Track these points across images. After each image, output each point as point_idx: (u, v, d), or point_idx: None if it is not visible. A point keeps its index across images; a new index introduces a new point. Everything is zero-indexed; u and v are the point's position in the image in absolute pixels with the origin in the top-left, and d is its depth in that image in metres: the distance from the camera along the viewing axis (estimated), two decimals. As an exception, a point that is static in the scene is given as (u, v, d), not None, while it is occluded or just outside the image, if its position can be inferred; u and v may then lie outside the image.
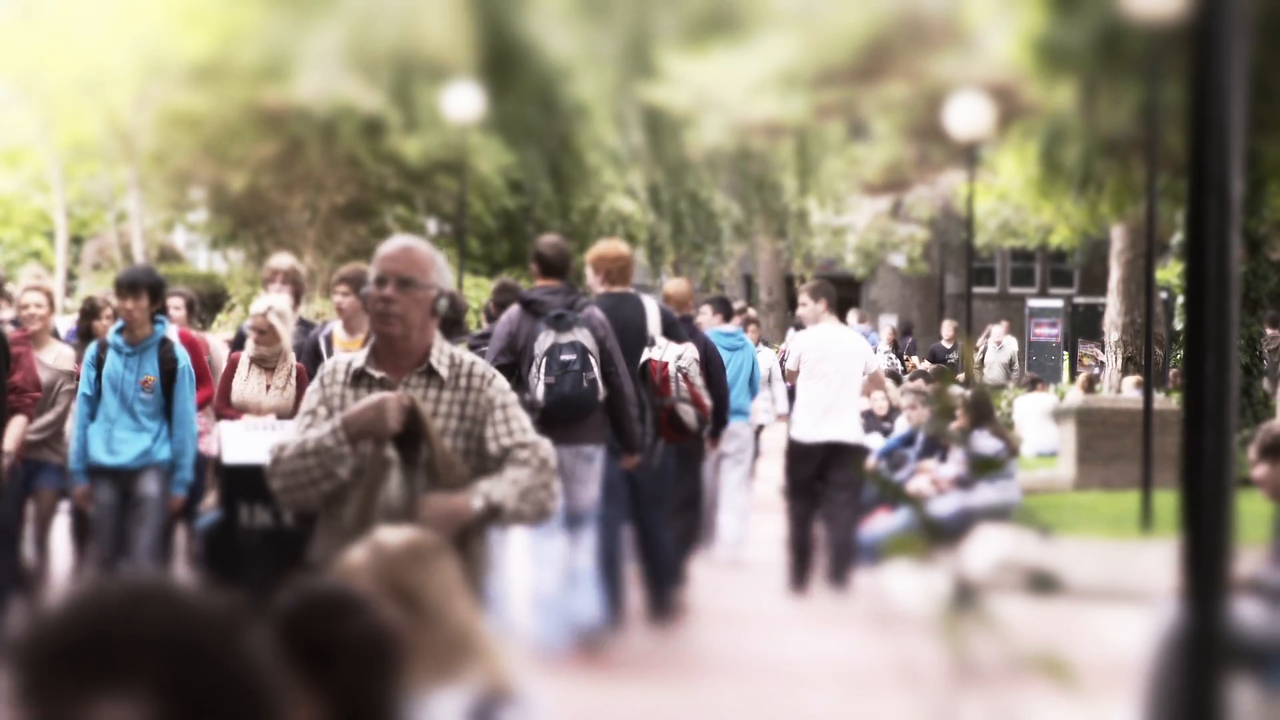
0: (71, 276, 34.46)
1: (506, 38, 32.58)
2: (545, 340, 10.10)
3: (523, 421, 5.71)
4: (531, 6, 32.80)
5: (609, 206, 35.49)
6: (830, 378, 13.13)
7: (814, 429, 13.12)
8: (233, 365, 11.08)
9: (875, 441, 17.70)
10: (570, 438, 9.94)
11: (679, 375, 10.99)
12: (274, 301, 11.12)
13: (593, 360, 10.16)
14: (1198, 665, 3.38)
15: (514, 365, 10.18)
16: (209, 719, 1.99)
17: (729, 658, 10.56)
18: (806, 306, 13.54)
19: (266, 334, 10.86)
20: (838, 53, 32.83)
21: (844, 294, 44.75)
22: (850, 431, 13.20)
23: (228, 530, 8.09)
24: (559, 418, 9.90)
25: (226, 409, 10.87)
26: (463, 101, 30.48)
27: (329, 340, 11.11)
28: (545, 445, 5.68)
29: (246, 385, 10.90)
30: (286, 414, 10.57)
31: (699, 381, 11.06)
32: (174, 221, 36.84)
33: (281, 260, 12.30)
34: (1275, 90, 20.06)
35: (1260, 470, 7.85)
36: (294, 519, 8.41)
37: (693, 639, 11.19)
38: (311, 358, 10.98)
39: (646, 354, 11.02)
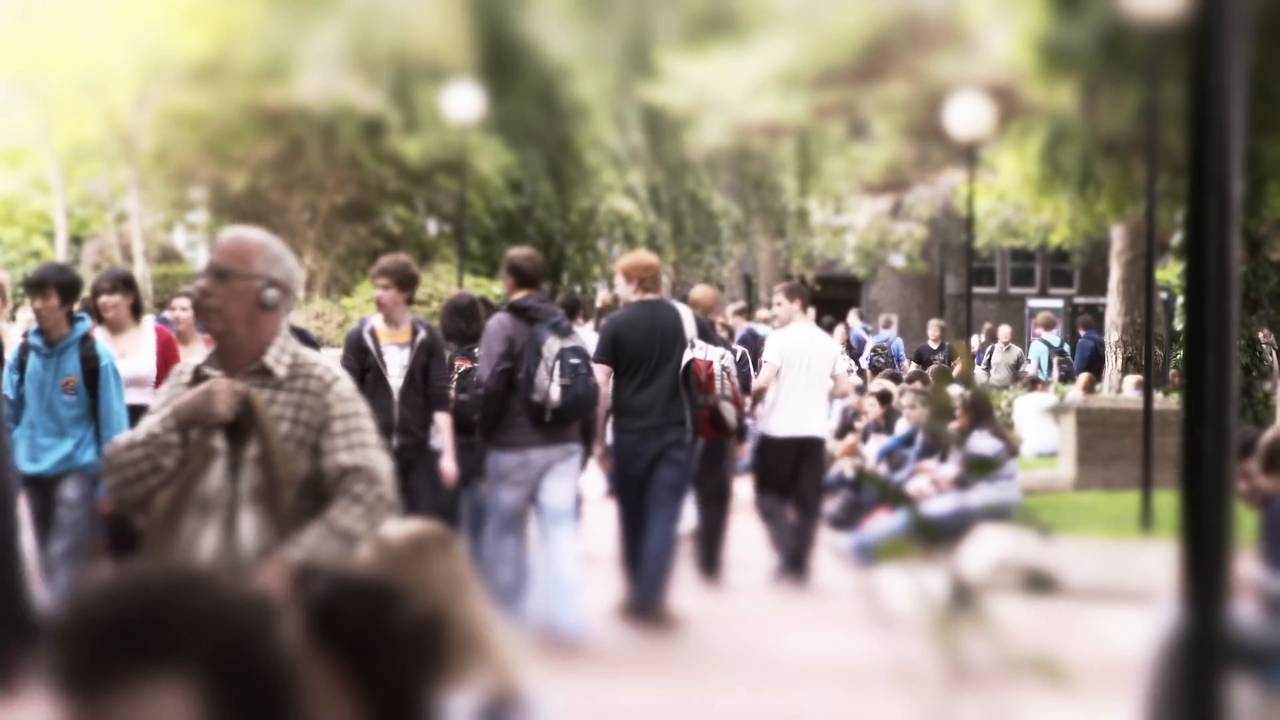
0: (71, 276, 34.43)
1: (506, 38, 32.58)
2: (554, 345, 10.77)
3: (364, 435, 5.28)
4: (531, 6, 32.80)
5: (608, 206, 35.49)
6: (803, 376, 13.50)
7: (790, 425, 13.47)
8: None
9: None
10: (559, 437, 10.87)
11: (724, 374, 11.55)
12: None
13: (590, 364, 11.02)
14: (1198, 666, 3.38)
15: (512, 370, 10.83)
16: (247, 703, 1.99)
17: (729, 658, 10.56)
18: (781, 306, 13.94)
19: None
20: (838, 53, 32.83)
21: (844, 294, 44.78)
22: (820, 427, 13.82)
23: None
24: (569, 417, 10.86)
25: None
26: (463, 101, 30.48)
27: (373, 334, 11.27)
28: (383, 469, 5.25)
29: None
30: None
31: (738, 383, 11.83)
32: (174, 221, 36.85)
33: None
34: (1275, 90, 20.06)
35: (1266, 482, 7.82)
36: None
37: (692, 639, 11.19)
38: (357, 353, 11.24)
39: (688, 355, 11.50)
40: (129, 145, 32.52)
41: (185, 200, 35.82)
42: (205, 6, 31.20)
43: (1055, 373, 29.56)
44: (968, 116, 26.50)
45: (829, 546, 15.42)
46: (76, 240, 35.97)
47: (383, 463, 5.26)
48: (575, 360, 10.77)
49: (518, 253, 11.37)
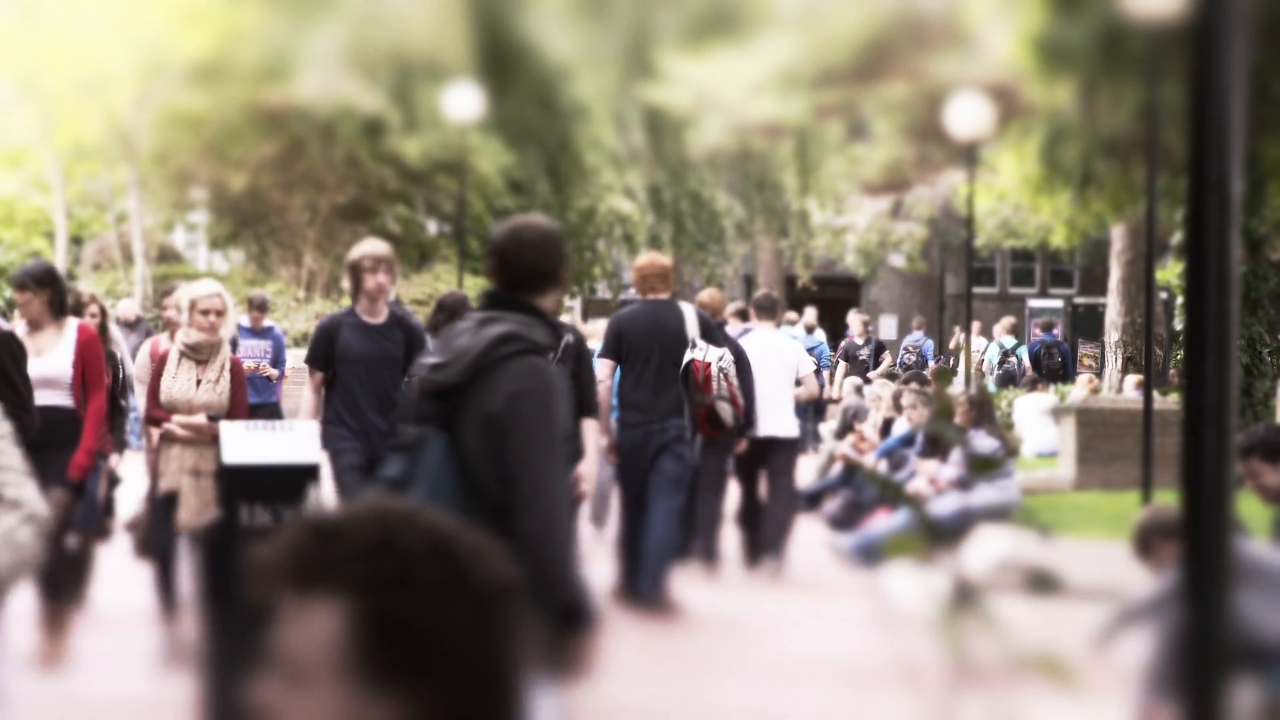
0: (72, 277, 34.45)
1: (506, 38, 32.59)
2: None
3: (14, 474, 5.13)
4: (531, 6, 32.80)
5: (607, 206, 35.50)
6: (766, 378, 13.78)
7: (757, 425, 13.78)
8: (161, 361, 10.27)
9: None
10: None
11: (720, 375, 11.97)
12: (213, 282, 10.44)
13: None
14: (1198, 665, 3.39)
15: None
16: (396, 653, 2.07)
17: (729, 656, 10.57)
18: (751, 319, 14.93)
19: (224, 314, 10.19)
20: (838, 53, 32.84)
21: (844, 294, 44.80)
22: (783, 427, 14.04)
23: (228, 531, 8.08)
24: None
25: (155, 409, 10.12)
26: (463, 101, 30.48)
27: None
28: (37, 509, 5.11)
29: (175, 382, 10.12)
30: (220, 412, 10.03)
31: (736, 382, 12.12)
32: (174, 221, 36.86)
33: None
34: (1275, 90, 20.06)
35: (1276, 474, 7.84)
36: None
37: (693, 637, 11.20)
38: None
39: (688, 355, 12.02)
40: (129, 145, 32.52)
41: (185, 200, 35.82)
42: (205, 7, 31.21)
43: (996, 373, 30.01)
44: (967, 116, 26.50)
45: (829, 546, 15.43)
46: (76, 240, 35.97)
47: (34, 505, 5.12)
48: None
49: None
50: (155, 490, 10.22)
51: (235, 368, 10.23)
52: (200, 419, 10.03)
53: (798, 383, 14.22)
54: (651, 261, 12.35)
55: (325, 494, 8.80)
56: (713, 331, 12.41)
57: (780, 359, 14.13)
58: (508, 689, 2.12)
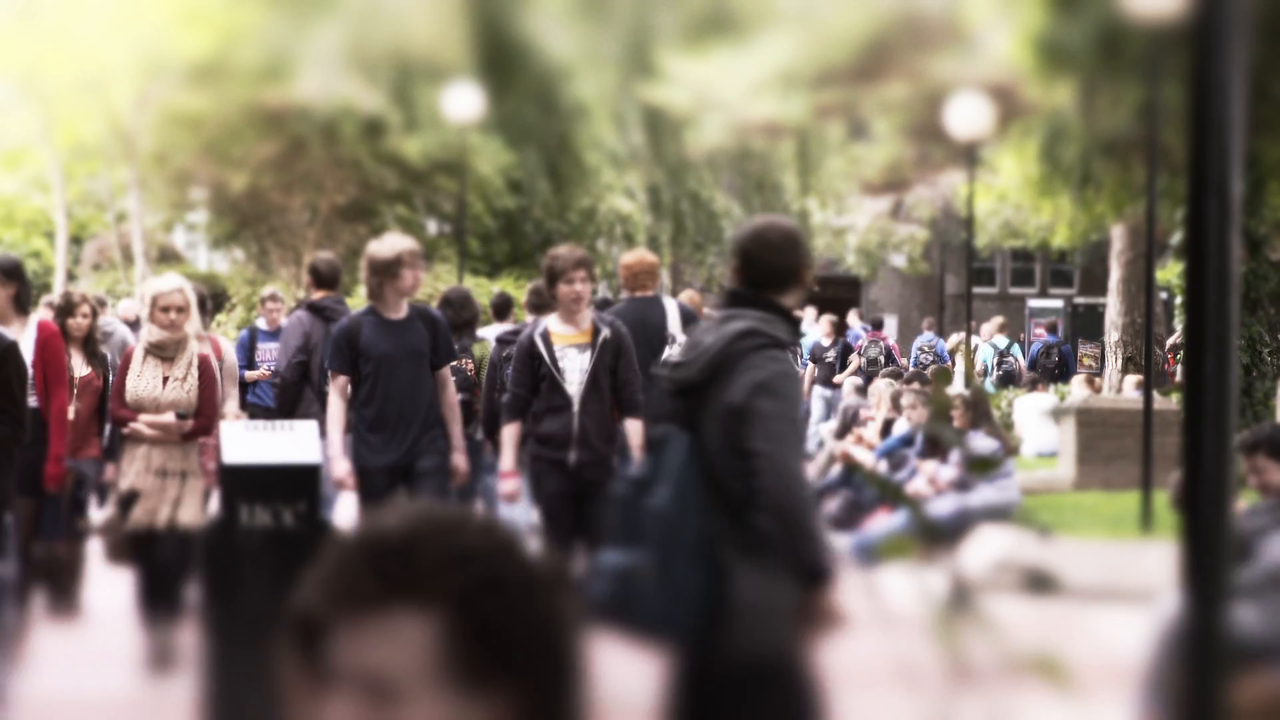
0: (71, 277, 34.46)
1: (506, 38, 32.58)
2: None
3: None
4: (531, 6, 32.80)
5: (607, 206, 35.49)
6: None
7: None
8: (127, 359, 9.98)
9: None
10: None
11: None
12: (178, 278, 10.12)
13: None
14: (1198, 665, 3.38)
15: (306, 362, 12.41)
16: (491, 650, 2.07)
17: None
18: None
19: (184, 312, 9.86)
20: (838, 53, 32.83)
21: (844, 294, 44.80)
22: None
23: (228, 531, 8.07)
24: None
25: (121, 409, 9.86)
26: (463, 101, 30.47)
27: (546, 337, 9.86)
28: None
29: (140, 380, 9.86)
30: (189, 410, 9.85)
31: None
32: (174, 221, 36.85)
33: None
34: (1275, 90, 20.06)
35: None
36: (294, 519, 8.39)
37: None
38: (528, 358, 9.86)
39: (666, 351, 12.24)
40: (129, 145, 32.52)
41: (185, 200, 35.82)
42: (205, 7, 31.21)
43: (995, 374, 30.04)
44: (968, 116, 26.51)
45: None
46: (76, 240, 35.97)
47: None
48: None
49: (319, 257, 13.21)
50: (118, 489, 10.00)
51: (204, 365, 9.95)
52: (169, 418, 9.82)
53: None
54: (640, 259, 12.59)
55: (332, 498, 8.79)
56: (695, 324, 12.42)
57: None
58: (581, 671, 2.15)
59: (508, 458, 9.83)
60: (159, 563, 9.81)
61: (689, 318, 12.54)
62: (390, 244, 10.33)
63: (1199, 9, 3.32)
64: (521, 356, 9.91)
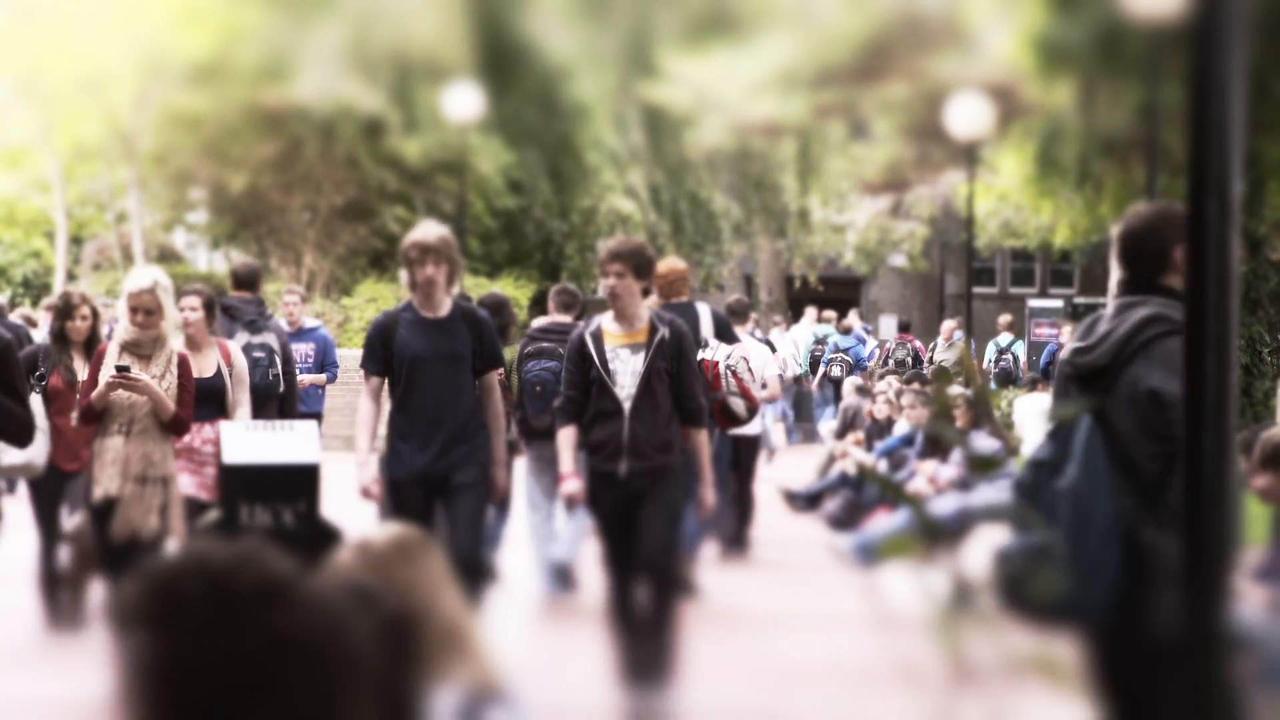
0: (71, 277, 34.46)
1: (506, 38, 32.58)
2: (241, 339, 13.53)
3: None
4: (531, 6, 32.80)
5: (608, 206, 35.49)
6: None
7: None
8: (100, 355, 9.56)
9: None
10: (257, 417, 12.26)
11: (728, 372, 12.43)
12: (158, 275, 9.66)
13: (277, 359, 13.93)
14: (1198, 664, 3.38)
15: None
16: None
17: (729, 658, 10.56)
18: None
19: (154, 314, 9.43)
20: (838, 52, 32.83)
21: (844, 294, 44.78)
22: (751, 425, 14.37)
23: (228, 531, 8.08)
24: (255, 402, 11.85)
25: (90, 410, 9.48)
26: (463, 101, 30.47)
27: (597, 336, 9.11)
28: None
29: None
30: (163, 408, 9.46)
31: (747, 377, 12.50)
32: (174, 222, 36.84)
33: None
34: (1275, 90, 20.06)
35: (1261, 481, 7.85)
36: (294, 519, 8.39)
37: (693, 638, 11.19)
38: (579, 358, 9.09)
39: (699, 355, 12.46)
40: (129, 145, 32.51)
41: (185, 200, 35.81)
42: (205, 7, 31.20)
43: (994, 370, 30.08)
44: (968, 116, 26.52)
45: (828, 547, 15.42)
46: (76, 240, 35.97)
47: None
48: (259, 354, 13.69)
49: (237, 261, 13.96)
50: (90, 498, 9.49)
51: (183, 364, 9.57)
52: (146, 379, 9.34)
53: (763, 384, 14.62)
54: (671, 267, 12.81)
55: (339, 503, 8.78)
56: (727, 329, 13.01)
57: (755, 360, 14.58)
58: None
59: (566, 460, 9.08)
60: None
61: (721, 323, 12.93)
62: (412, 233, 9.57)
63: (1199, 9, 3.32)
64: (572, 356, 9.22)
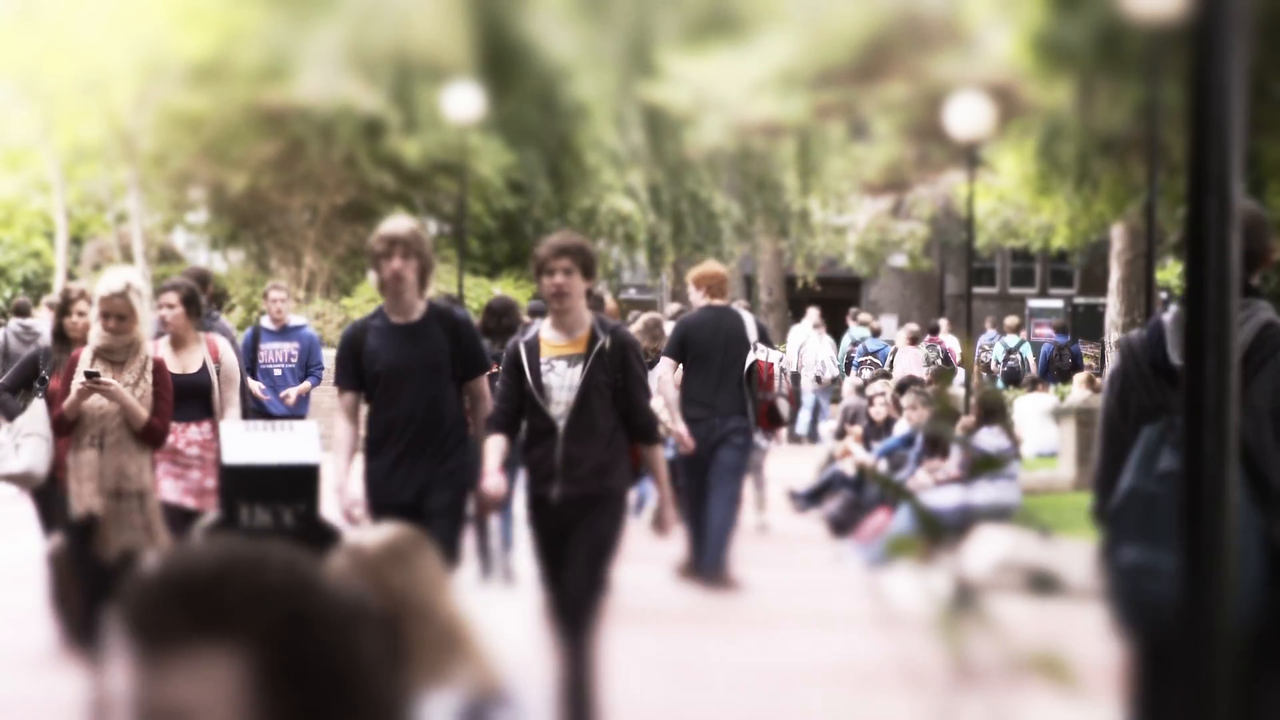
0: (72, 277, 34.46)
1: (506, 38, 32.58)
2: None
3: None
4: (531, 7, 32.80)
5: (608, 206, 35.49)
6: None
7: None
8: (73, 362, 9.07)
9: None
10: None
11: (781, 375, 13.39)
12: (131, 277, 9.09)
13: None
14: (1198, 664, 3.38)
15: None
16: (301, 689, 2.03)
17: (729, 658, 10.57)
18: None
19: (127, 319, 8.93)
20: (838, 53, 32.83)
21: (844, 294, 44.78)
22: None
23: (227, 530, 8.07)
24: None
25: (62, 417, 9.03)
26: (462, 102, 30.47)
27: (532, 346, 8.23)
28: None
29: None
30: (136, 416, 8.95)
31: (789, 382, 13.57)
32: (174, 222, 36.84)
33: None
34: (1275, 90, 20.05)
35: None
36: (294, 520, 8.37)
37: (693, 638, 11.19)
38: (514, 369, 8.22)
39: (752, 357, 13.14)
40: (129, 146, 32.51)
41: (185, 201, 35.81)
42: (205, 7, 31.20)
43: (1002, 369, 30.09)
44: (968, 116, 26.50)
45: (837, 558, 15.43)
46: (76, 241, 35.97)
47: None
48: None
49: (190, 268, 13.95)
50: (67, 514, 8.99)
51: (159, 369, 9.07)
52: (117, 386, 8.84)
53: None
54: (715, 270, 13.38)
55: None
56: (766, 334, 13.68)
57: None
58: (394, 711, 2.11)
59: (491, 460, 8.27)
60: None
61: (761, 328, 13.53)
62: (379, 229, 8.70)
63: (1199, 9, 3.32)
64: (508, 367, 8.28)
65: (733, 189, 38.35)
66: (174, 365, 10.10)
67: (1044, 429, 23.29)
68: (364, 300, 31.47)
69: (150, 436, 8.97)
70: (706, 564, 13.05)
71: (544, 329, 8.22)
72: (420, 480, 8.43)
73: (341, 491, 8.50)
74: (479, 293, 30.92)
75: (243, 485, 8.32)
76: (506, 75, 32.56)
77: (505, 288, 32.20)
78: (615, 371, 8.12)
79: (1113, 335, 27.45)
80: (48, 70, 31.51)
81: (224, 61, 31.08)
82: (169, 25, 31.03)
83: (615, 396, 8.12)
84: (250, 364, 14.92)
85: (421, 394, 8.44)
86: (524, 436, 8.27)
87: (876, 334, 30.24)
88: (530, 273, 37.10)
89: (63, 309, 10.20)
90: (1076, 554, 13.05)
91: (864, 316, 31.54)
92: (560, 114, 34.37)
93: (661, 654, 10.62)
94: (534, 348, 8.17)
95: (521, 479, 8.91)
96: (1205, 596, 3.37)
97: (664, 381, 13.03)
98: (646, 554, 14.38)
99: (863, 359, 28.95)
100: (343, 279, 33.55)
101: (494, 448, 8.30)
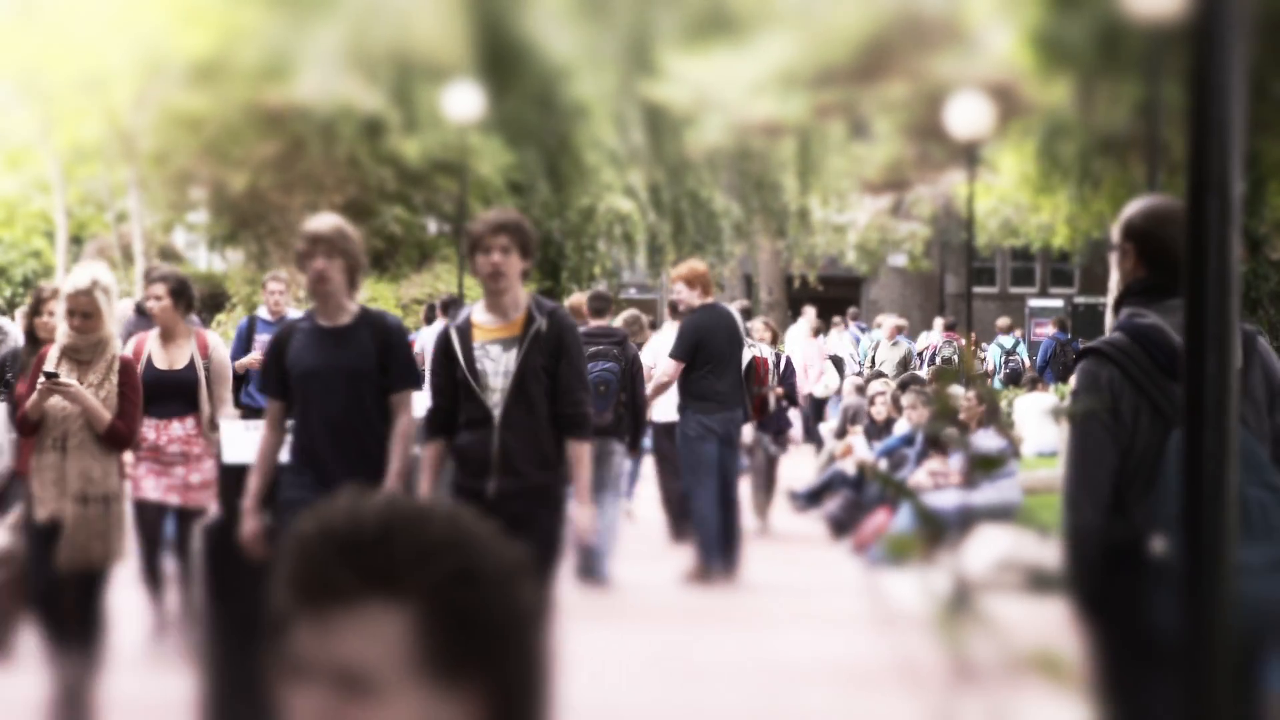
0: (71, 276, 34.45)
1: (506, 37, 32.59)
2: None
3: None
4: (531, 6, 32.81)
5: (607, 206, 35.50)
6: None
7: (660, 413, 15.20)
8: (39, 361, 8.65)
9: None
10: None
11: (774, 369, 14.06)
12: (98, 274, 8.59)
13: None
14: (1198, 664, 3.38)
15: None
16: (465, 644, 2.06)
17: (729, 658, 10.57)
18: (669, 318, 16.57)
19: (93, 317, 8.48)
20: (838, 52, 32.85)
21: (844, 293, 44.77)
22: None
23: (227, 531, 8.07)
24: None
25: (25, 419, 8.59)
26: (462, 101, 30.48)
27: (465, 330, 7.88)
28: None
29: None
30: (98, 419, 8.46)
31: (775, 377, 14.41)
32: (174, 221, 36.85)
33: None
34: (1275, 90, 20.06)
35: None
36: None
37: (693, 639, 11.20)
38: (443, 357, 7.89)
39: (750, 352, 13.68)
40: (129, 145, 32.52)
41: (185, 200, 35.82)
42: (205, 6, 31.21)
43: (1003, 371, 30.10)
44: (968, 116, 26.52)
45: (835, 553, 15.43)
46: (76, 240, 35.96)
47: None
48: None
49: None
50: (31, 518, 8.50)
51: (125, 369, 8.61)
52: (78, 386, 8.39)
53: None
54: (702, 269, 13.62)
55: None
56: (747, 333, 14.32)
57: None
58: (546, 665, 2.16)
59: (425, 482, 7.75)
60: (88, 609, 8.37)
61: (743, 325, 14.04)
62: (303, 226, 8.09)
63: (1199, 8, 3.32)
64: (438, 356, 7.81)
65: (732, 189, 38.36)
66: (161, 360, 9.96)
67: (1044, 428, 23.28)
68: (364, 299, 31.48)
69: (114, 439, 8.52)
70: (726, 559, 13.44)
71: (476, 312, 7.86)
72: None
73: (248, 515, 7.78)
74: (479, 292, 30.91)
75: (243, 485, 8.31)
76: (506, 75, 32.57)
77: (505, 287, 32.20)
78: (552, 355, 7.69)
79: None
80: (48, 70, 31.51)
81: (224, 61, 31.09)
82: (169, 24, 31.04)
83: (549, 382, 7.67)
84: (244, 354, 14.91)
85: (342, 404, 7.70)
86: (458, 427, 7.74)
87: (899, 332, 30.23)
88: (531, 271, 37.07)
89: (34, 309, 9.86)
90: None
91: (892, 318, 31.61)
92: (560, 113, 34.39)
93: (661, 653, 10.62)
94: (466, 332, 7.79)
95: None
96: (1206, 595, 3.37)
97: (661, 380, 13.51)
98: (646, 553, 14.39)
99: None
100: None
101: (429, 462, 7.80)
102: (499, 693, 2.09)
